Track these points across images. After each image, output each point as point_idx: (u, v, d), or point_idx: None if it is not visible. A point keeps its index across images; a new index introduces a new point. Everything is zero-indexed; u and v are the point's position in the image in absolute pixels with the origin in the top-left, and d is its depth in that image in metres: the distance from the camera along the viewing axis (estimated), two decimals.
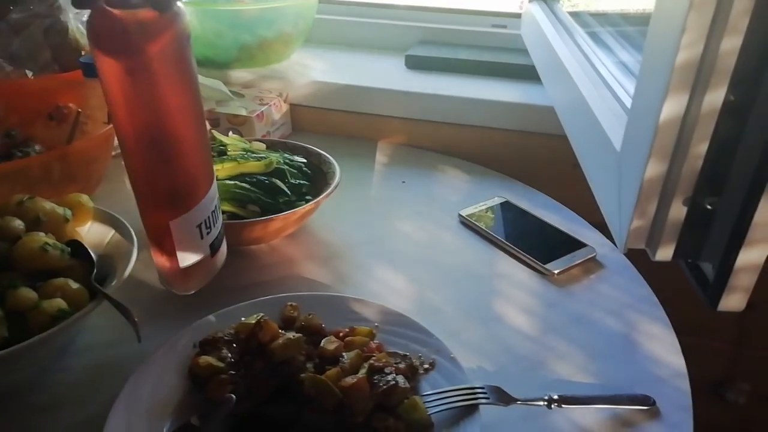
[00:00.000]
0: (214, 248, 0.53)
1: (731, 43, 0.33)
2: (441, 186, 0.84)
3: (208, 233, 0.52)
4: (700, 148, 0.36)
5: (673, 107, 0.36)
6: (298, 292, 0.57)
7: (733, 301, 0.39)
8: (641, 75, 0.40)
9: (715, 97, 0.35)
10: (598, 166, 0.51)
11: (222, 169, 0.69)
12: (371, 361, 0.46)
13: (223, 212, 0.65)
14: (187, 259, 0.51)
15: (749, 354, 1.09)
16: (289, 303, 0.54)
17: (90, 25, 0.42)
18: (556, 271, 0.65)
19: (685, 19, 0.33)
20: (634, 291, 0.63)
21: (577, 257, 0.67)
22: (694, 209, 0.38)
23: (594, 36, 0.76)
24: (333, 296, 0.57)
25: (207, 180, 0.51)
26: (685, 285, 0.67)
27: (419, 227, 0.74)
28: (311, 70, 1.03)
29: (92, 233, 0.61)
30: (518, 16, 1.01)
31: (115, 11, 0.41)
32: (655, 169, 0.38)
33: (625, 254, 0.43)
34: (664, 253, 0.40)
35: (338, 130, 0.99)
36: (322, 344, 0.48)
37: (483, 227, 0.72)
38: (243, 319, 0.49)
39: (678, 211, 0.39)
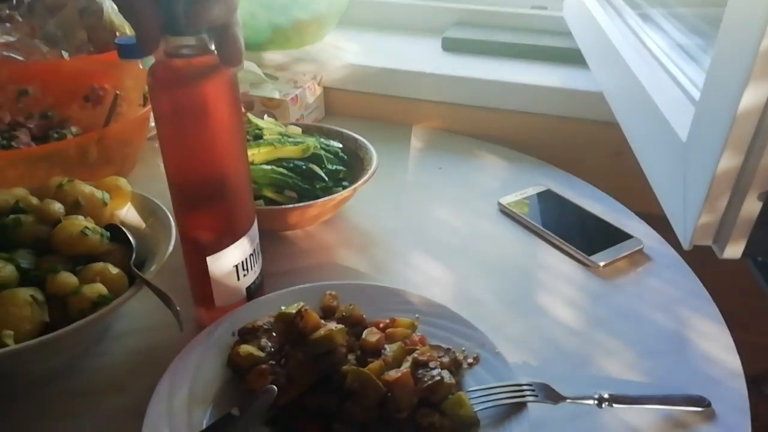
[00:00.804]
0: (250, 293, 0.53)
1: None
2: (479, 173, 0.81)
3: (245, 275, 0.52)
4: None
5: (753, 95, 0.33)
6: (337, 281, 0.56)
7: None
8: (715, 60, 0.38)
9: None
10: (657, 156, 0.48)
11: (258, 154, 0.68)
12: (415, 355, 0.45)
13: (260, 197, 0.64)
14: (222, 298, 0.52)
15: None
16: (329, 292, 0.53)
17: (153, 74, 0.44)
18: (601, 264, 0.62)
19: None
20: (684, 285, 0.60)
21: (624, 249, 0.64)
22: None
23: (646, 17, 0.73)
24: (372, 286, 0.56)
25: (247, 220, 0.51)
26: (727, 278, 0.64)
27: (457, 215, 0.72)
28: (345, 52, 1.01)
29: (129, 217, 0.60)
30: None
31: (174, 60, 0.43)
32: (729, 161, 0.36)
33: (688, 250, 0.40)
34: (734, 250, 0.38)
35: (372, 114, 0.97)
36: (363, 336, 0.47)
37: (524, 216, 0.70)
38: (283, 308, 0.48)
39: (752, 206, 0.36)
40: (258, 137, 0.71)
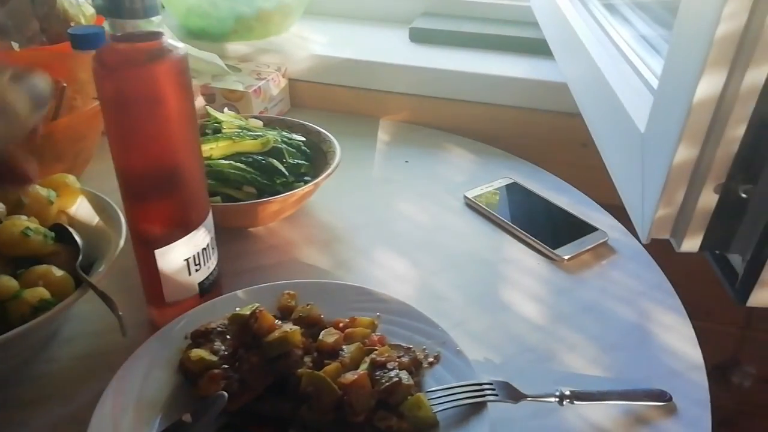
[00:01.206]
0: (203, 289, 0.51)
1: None
2: (446, 166, 0.80)
3: (197, 270, 0.50)
4: (736, 130, 0.33)
5: (709, 85, 0.32)
6: (295, 279, 0.54)
7: (764, 296, 0.36)
8: (672, 49, 0.37)
9: (757, 75, 0.31)
10: (617, 148, 0.47)
11: (216, 148, 0.65)
12: (373, 356, 0.44)
13: (218, 193, 0.62)
14: (172, 294, 0.50)
15: (756, 337, 1.07)
16: (287, 291, 0.51)
17: (99, 59, 0.43)
18: (566, 257, 0.62)
19: None
20: (647, 278, 0.60)
21: (588, 242, 0.64)
22: (726, 197, 0.35)
23: (610, 7, 0.72)
24: (333, 284, 0.54)
25: (199, 212, 0.49)
26: (691, 267, 0.64)
27: (423, 209, 0.71)
28: (311, 42, 0.98)
29: (79, 216, 0.57)
30: None
31: (120, 44, 0.43)
32: (685, 152, 0.35)
33: (645, 244, 0.40)
34: (691, 244, 0.37)
35: (338, 106, 0.95)
36: (320, 337, 0.45)
37: (489, 210, 0.69)
38: (237, 309, 0.47)
39: (708, 198, 0.35)
40: (217, 131, 0.69)
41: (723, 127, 0.33)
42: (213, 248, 0.52)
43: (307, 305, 0.49)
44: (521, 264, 0.62)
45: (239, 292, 0.52)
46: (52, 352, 0.51)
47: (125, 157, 0.46)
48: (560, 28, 0.73)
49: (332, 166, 0.66)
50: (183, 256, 0.49)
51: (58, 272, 0.49)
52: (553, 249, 0.62)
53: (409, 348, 0.46)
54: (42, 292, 0.46)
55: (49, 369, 0.50)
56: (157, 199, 0.48)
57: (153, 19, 0.42)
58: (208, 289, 0.52)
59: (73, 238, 0.53)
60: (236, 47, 0.98)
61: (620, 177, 0.46)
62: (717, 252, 0.38)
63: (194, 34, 0.99)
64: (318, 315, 0.48)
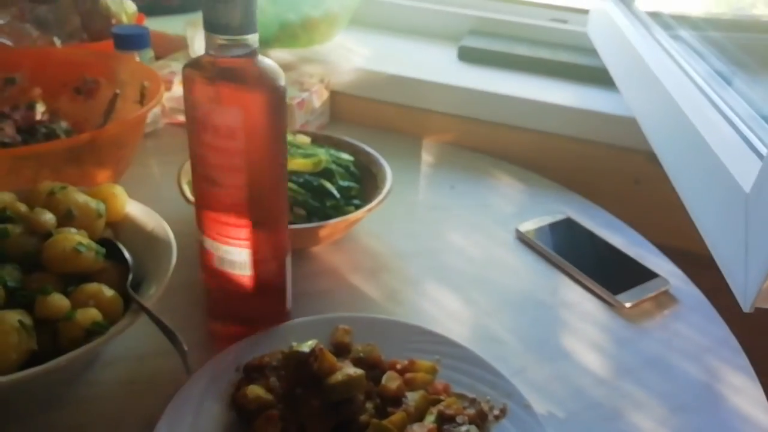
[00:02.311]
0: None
1: None
2: (493, 194, 0.78)
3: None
4: None
5: None
6: (348, 313, 0.52)
7: None
8: None
9: None
10: (709, 201, 0.45)
11: None
12: (441, 407, 0.41)
13: None
14: (290, 299, 0.51)
15: None
16: (342, 326, 0.49)
17: (195, 69, 0.42)
18: (627, 304, 0.59)
19: None
20: (712, 332, 0.57)
21: (650, 289, 0.61)
22: None
23: (677, 38, 0.70)
24: (389, 321, 0.52)
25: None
26: (756, 320, 0.61)
27: (473, 241, 0.68)
28: (355, 54, 0.96)
29: (124, 230, 0.55)
30: (582, 11, 0.94)
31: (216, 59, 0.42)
32: None
33: (749, 312, 0.37)
34: None
35: (380, 122, 0.92)
36: (383, 381, 0.43)
37: (544, 246, 0.66)
38: (294, 344, 0.44)
39: None
40: None
41: None
42: None
43: (368, 345, 0.46)
44: (580, 308, 0.59)
45: (292, 324, 0.49)
46: (95, 374, 0.49)
47: (257, 175, 0.44)
48: (626, 57, 0.71)
49: (384, 192, 0.63)
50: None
51: (109, 292, 0.46)
52: (614, 294, 0.60)
53: (473, 399, 0.44)
54: (94, 314, 0.44)
55: (92, 393, 0.47)
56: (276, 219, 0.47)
57: (249, 36, 0.41)
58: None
59: (122, 254, 0.50)
60: (279, 54, 0.95)
61: (714, 234, 0.43)
62: None
63: None
64: (378, 357, 0.46)
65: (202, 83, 0.42)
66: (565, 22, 0.99)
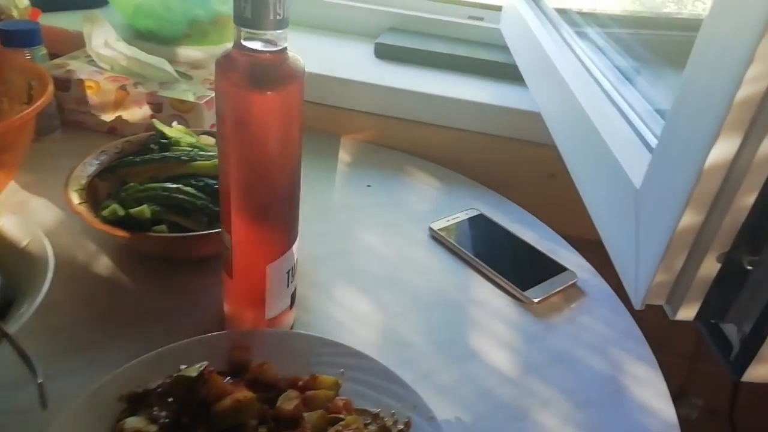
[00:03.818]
0: (292, 301, 0.50)
1: None
2: (410, 192, 0.76)
3: (291, 282, 0.49)
4: (747, 199, 0.30)
5: (722, 150, 0.30)
6: (249, 329, 0.49)
7: (762, 371, 0.34)
8: (678, 107, 0.34)
9: None
10: (605, 198, 0.45)
11: (163, 168, 0.59)
12: (339, 427, 0.39)
13: (163, 222, 0.56)
14: (273, 309, 0.48)
15: (703, 369, 1.08)
16: (239, 343, 0.46)
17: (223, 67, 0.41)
18: (536, 300, 0.59)
19: (755, 48, 0.27)
20: (618, 324, 0.58)
21: (558, 283, 0.61)
22: (729, 267, 0.33)
23: (582, 35, 0.70)
24: (291, 334, 0.49)
25: (296, 225, 0.49)
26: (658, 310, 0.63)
27: (386, 241, 0.67)
28: None
29: None
30: (498, 9, 0.95)
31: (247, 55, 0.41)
32: (690, 218, 0.32)
33: (640, 309, 0.37)
34: (687, 312, 0.35)
35: None
36: (279, 403, 0.40)
37: (456, 244, 0.66)
38: (182, 367, 0.41)
39: (710, 267, 0.33)
40: (164, 148, 0.63)
41: (733, 194, 0.31)
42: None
43: (262, 364, 0.43)
44: (490, 306, 0.59)
45: (183, 343, 0.46)
46: None
47: (246, 172, 0.43)
48: (534, 54, 0.71)
49: None
50: (286, 268, 0.47)
51: None
52: (523, 290, 0.59)
53: (376, 414, 0.42)
54: None
55: None
56: (277, 211, 0.45)
57: (280, 31, 0.40)
58: (293, 302, 0.51)
59: None
60: (189, 52, 0.91)
61: (608, 231, 0.43)
62: (712, 321, 0.36)
63: (142, 36, 0.92)
64: (274, 376, 0.43)
65: (232, 79, 0.40)
66: (481, 19, 0.99)
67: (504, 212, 0.73)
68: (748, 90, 0.28)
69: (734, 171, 0.30)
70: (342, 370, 0.45)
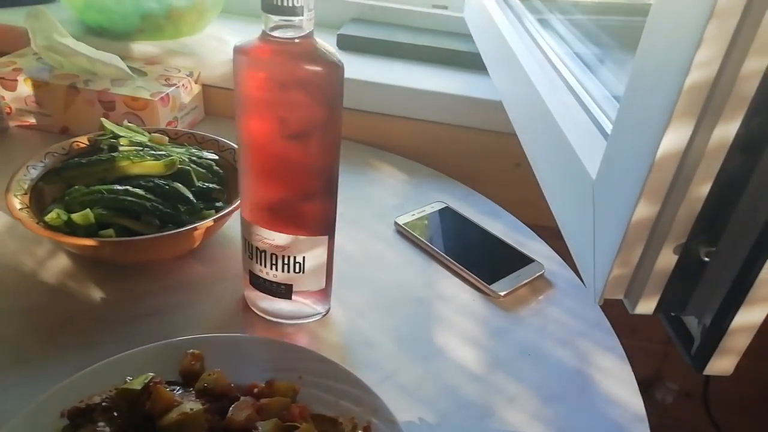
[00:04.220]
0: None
1: (755, 65, 0.26)
2: (375, 186, 0.75)
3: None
4: (701, 188, 0.29)
5: (674, 138, 0.28)
6: (201, 335, 0.47)
7: (723, 364, 0.33)
8: (629, 93, 0.33)
9: (727, 130, 0.28)
10: (563, 189, 0.43)
11: (111, 169, 0.57)
12: None
13: (111, 225, 0.53)
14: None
15: (678, 353, 1.09)
16: (190, 351, 0.44)
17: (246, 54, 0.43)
18: (502, 293, 0.58)
19: (702, 31, 0.25)
20: (585, 315, 0.57)
21: (524, 275, 0.60)
22: (687, 259, 0.32)
23: (544, 23, 0.69)
24: (246, 339, 0.48)
25: None
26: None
27: (351, 237, 0.65)
28: (228, 45, 0.90)
29: None
30: None
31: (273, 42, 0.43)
32: (645, 210, 0.31)
33: (599, 305, 0.36)
34: (646, 306, 0.34)
35: None
36: (230, 413, 0.38)
37: (421, 239, 0.64)
38: (128, 379, 0.39)
39: (667, 259, 0.32)
40: (113, 149, 0.60)
41: (688, 184, 0.29)
42: None
43: (212, 374, 0.41)
44: (456, 301, 0.57)
45: (129, 354, 0.43)
46: None
47: (322, 154, 0.46)
48: (496, 44, 0.70)
49: None
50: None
51: None
52: (489, 284, 0.58)
53: (335, 420, 0.40)
54: None
55: None
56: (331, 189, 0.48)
57: (304, 17, 0.41)
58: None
59: None
60: (142, 48, 0.88)
61: (567, 224, 0.42)
62: (672, 314, 0.35)
63: (93, 31, 0.88)
64: (227, 385, 0.41)
65: (256, 66, 0.43)
66: (445, 8, 0.97)
67: (471, 204, 0.72)
68: (698, 75, 0.27)
69: (688, 159, 0.29)
70: (299, 375, 0.43)
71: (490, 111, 0.79)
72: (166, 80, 0.80)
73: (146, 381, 0.38)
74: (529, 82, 0.54)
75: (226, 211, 0.55)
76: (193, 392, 0.40)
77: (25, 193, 0.55)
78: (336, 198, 0.49)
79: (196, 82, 0.84)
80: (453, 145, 0.83)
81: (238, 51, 0.43)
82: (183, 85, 0.80)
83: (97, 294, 0.54)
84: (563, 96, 0.50)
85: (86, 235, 0.51)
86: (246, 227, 0.49)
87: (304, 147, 0.45)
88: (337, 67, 0.43)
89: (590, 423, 0.47)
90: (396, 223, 0.67)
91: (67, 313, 0.51)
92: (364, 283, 0.59)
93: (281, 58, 0.43)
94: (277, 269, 0.49)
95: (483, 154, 0.83)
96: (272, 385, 0.42)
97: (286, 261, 0.48)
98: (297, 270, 0.49)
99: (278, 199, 0.47)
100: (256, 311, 0.53)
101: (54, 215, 0.51)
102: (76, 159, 0.58)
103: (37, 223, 0.51)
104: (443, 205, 0.70)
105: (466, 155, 0.83)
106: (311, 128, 0.44)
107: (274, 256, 0.48)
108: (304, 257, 0.48)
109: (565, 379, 0.50)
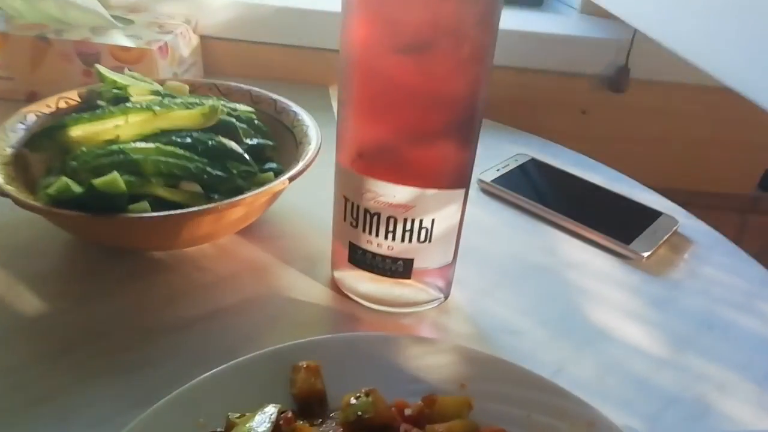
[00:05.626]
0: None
1: None
2: None
3: None
4: None
5: None
6: (311, 338, 0.32)
7: None
8: None
9: None
10: None
11: (127, 126, 0.41)
12: None
13: (143, 197, 0.38)
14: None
15: None
16: (303, 363, 0.29)
17: None
18: (645, 254, 0.46)
19: None
20: (746, 273, 0.46)
21: (661, 232, 0.49)
22: None
23: None
24: (367, 336, 0.34)
25: None
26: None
27: None
28: None
29: None
30: None
31: None
32: None
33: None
34: None
35: (270, 71, 0.72)
36: None
37: (521, 196, 0.52)
38: (231, 416, 0.25)
39: None
40: (120, 100, 0.44)
41: None
42: None
43: (366, 396, 0.27)
44: (590, 267, 0.45)
45: (206, 378, 0.29)
46: None
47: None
48: None
49: (313, 147, 0.44)
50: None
51: None
52: (627, 244, 0.46)
53: None
54: None
55: None
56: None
57: None
58: None
59: None
60: None
61: None
62: None
63: None
64: (386, 409, 0.27)
65: None
66: None
67: (554, 155, 0.60)
68: None
69: None
70: (461, 383, 0.30)
71: (550, 49, 0.68)
72: (159, 28, 0.64)
73: (273, 416, 0.24)
74: None
75: (297, 169, 0.41)
76: (333, 422, 0.26)
77: (8, 164, 0.39)
78: (477, 137, 0.36)
79: (194, 32, 0.68)
80: (511, 90, 0.71)
81: None
82: (181, 33, 0.64)
83: (126, 295, 0.39)
84: None
85: (112, 211, 0.35)
86: (349, 182, 0.35)
87: (447, 60, 0.31)
88: None
89: None
90: (480, 181, 0.54)
91: (92, 324, 0.36)
92: (466, 254, 0.46)
93: None
94: (395, 238, 0.35)
95: (544, 100, 0.71)
96: (434, 401, 0.29)
97: (408, 227, 0.35)
98: (422, 238, 0.35)
99: (405, 136, 0.33)
100: (354, 298, 0.39)
101: (61, 186, 0.35)
102: (73, 115, 0.42)
103: (34, 200, 0.35)
104: (528, 158, 0.58)
105: (524, 102, 0.71)
106: (460, 35, 0.30)
107: (392, 221, 0.35)
108: (433, 220, 0.35)
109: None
